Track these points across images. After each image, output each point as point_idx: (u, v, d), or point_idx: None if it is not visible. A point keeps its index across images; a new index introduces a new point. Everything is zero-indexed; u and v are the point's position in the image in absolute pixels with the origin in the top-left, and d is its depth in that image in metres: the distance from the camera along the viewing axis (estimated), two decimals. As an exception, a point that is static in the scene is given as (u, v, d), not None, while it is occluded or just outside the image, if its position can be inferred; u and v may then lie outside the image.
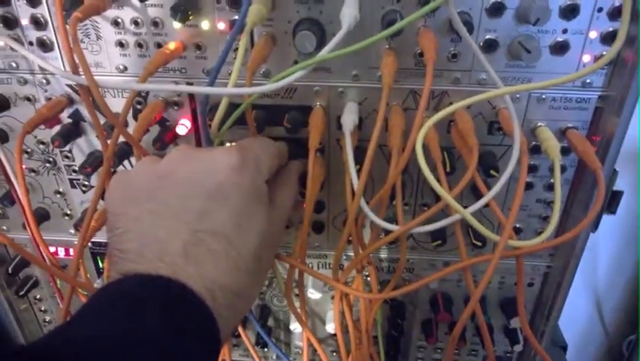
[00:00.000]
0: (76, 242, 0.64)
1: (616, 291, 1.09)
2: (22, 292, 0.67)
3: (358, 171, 0.46)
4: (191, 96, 0.53)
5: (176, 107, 0.53)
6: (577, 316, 1.14)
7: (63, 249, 0.66)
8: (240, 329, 0.64)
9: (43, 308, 0.73)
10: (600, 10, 0.45)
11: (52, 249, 0.65)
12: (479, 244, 0.55)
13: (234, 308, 0.37)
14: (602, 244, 1.04)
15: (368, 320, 0.56)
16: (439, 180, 0.43)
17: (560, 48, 0.46)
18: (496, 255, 0.43)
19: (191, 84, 0.52)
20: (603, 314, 1.13)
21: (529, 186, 0.55)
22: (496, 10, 0.45)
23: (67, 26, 0.42)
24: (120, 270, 0.36)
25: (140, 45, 0.50)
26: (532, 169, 0.54)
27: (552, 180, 0.54)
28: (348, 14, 0.42)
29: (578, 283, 1.08)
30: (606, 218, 0.95)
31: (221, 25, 0.48)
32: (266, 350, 0.73)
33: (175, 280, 0.34)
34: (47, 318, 0.74)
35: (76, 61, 0.43)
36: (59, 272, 0.51)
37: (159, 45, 0.49)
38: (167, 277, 0.34)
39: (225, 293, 0.36)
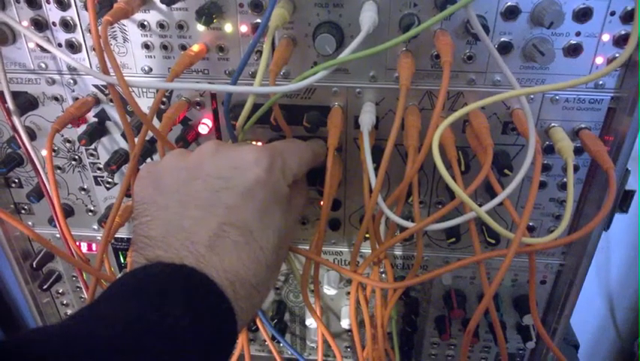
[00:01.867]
0: (99, 238, 0.66)
1: (629, 291, 1.09)
2: (45, 286, 0.69)
3: (376, 170, 0.47)
4: (213, 96, 0.54)
5: (198, 107, 0.55)
6: (589, 315, 1.14)
7: (86, 244, 0.68)
8: (259, 324, 0.66)
9: (65, 302, 0.75)
10: (613, 13, 0.46)
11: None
12: (493, 241, 0.57)
13: (252, 301, 0.39)
14: (615, 243, 1.04)
15: (384, 315, 0.57)
16: (454, 179, 0.44)
17: (574, 50, 0.47)
18: (511, 250, 0.44)
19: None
20: (615, 314, 1.13)
21: (542, 185, 0.56)
22: (511, 14, 0.46)
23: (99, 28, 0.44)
24: (146, 256, 0.37)
25: (165, 47, 0.51)
26: (546, 168, 0.55)
27: (565, 180, 0.56)
28: (368, 18, 0.44)
29: (591, 282, 1.09)
30: (620, 217, 0.96)
31: (244, 28, 0.50)
32: (281, 344, 0.75)
33: (198, 270, 0.35)
34: (69, 311, 0.76)
35: (107, 62, 0.45)
36: (86, 265, 0.52)
37: (183, 47, 0.51)
38: (191, 267, 0.35)
39: (245, 286, 0.37)
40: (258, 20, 0.49)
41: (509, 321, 0.67)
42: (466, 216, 0.46)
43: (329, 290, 0.65)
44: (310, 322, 0.70)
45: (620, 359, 1.16)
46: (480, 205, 0.45)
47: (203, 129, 0.55)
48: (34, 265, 0.68)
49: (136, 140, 0.50)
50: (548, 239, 0.46)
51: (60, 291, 0.74)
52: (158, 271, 0.35)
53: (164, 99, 0.55)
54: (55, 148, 0.60)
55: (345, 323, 0.68)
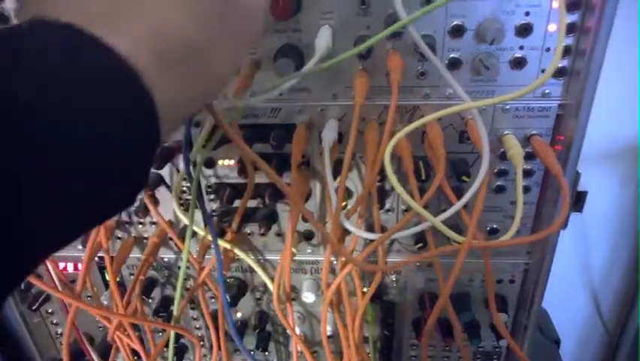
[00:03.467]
0: (83, 258, 0.69)
1: (611, 287, 1.12)
2: (34, 307, 0.72)
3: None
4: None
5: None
6: (575, 312, 1.17)
7: (72, 264, 0.70)
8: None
9: (54, 321, 0.77)
10: (552, 27, 0.49)
11: (61, 264, 0.70)
12: (458, 243, 0.59)
13: (183, 78, 0.27)
14: (595, 242, 1.07)
15: (355, 319, 0.59)
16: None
17: (518, 63, 0.51)
18: (462, 252, 0.47)
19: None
20: (601, 309, 1.16)
21: (501, 189, 0.59)
22: (458, 32, 0.49)
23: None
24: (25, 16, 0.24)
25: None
26: (503, 173, 0.58)
27: (523, 183, 0.59)
28: (321, 42, 0.47)
29: (575, 279, 1.11)
30: (598, 217, 0.99)
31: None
32: (267, 353, 0.77)
33: (88, 32, 0.23)
34: (59, 331, 0.79)
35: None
36: (64, 293, 0.55)
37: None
38: (79, 28, 0.23)
39: (163, 51, 0.25)
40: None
41: (483, 320, 0.70)
42: (422, 225, 0.49)
43: (307, 298, 0.67)
44: (292, 330, 0.73)
45: (607, 353, 1.18)
46: (445, 209, 0.48)
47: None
48: (23, 287, 0.70)
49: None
50: (498, 241, 0.48)
51: (50, 311, 0.76)
52: (36, 32, 0.23)
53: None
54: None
55: (327, 330, 0.70)
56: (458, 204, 0.47)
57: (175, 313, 0.58)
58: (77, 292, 0.54)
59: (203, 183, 0.62)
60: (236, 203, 0.60)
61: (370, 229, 0.59)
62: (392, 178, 0.43)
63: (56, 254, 0.62)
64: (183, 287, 0.64)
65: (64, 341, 0.60)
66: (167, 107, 0.25)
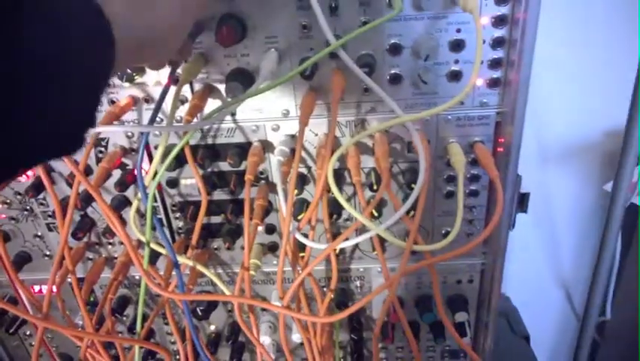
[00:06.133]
0: (49, 277, 0.71)
1: (582, 281, 1.16)
2: (11, 330, 0.74)
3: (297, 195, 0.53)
4: (147, 143, 0.60)
5: (134, 153, 0.60)
6: (547, 307, 1.20)
7: (47, 287, 0.72)
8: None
9: (33, 343, 0.79)
10: (484, 41, 0.52)
11: (36, 287, 0.72)
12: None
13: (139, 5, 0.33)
14: (564, 239, 1.10)
15: (318, 335, 0.62)
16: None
17: (455, 76, 0.54)
18: (404, 257, 0.50)
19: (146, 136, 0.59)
20: (573, 302, 1.20)
21: (451, 194, 0.62)
22: (395, 50, 0.53)
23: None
24: None
25: (95, 103, 0.57)
26: (452, 179, 0.61)
27: (471, 187, 0.62)
28: (265, 66, 0.50)
29: (547, 278, 1.15)
30: (565, 214, 1.02)
31: (164, 81, 0.55)
32: (242, 363, 0.80)
33: None
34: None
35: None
36: (32, 316, 0.57)
37: (112, 101, 0.57)
38: None
39: None
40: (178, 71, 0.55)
41: (447, 320, 0.73)
42: (367, 234, 0.51)
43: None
44: (264, 339, 0.75)
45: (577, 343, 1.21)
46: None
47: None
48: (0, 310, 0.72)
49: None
50: (439, 246, 0.52)
51: (28, 333, 0.78)
52: None
53: (102, 149, 0.60)
54: (8, 201, 0.65)
55: (296, 337, 0.73)
56: (401, 211, 0.50)
57: (138, 329, 0.61)
58: (44, 313, 0.56)
59: (169, 201, 0.65)
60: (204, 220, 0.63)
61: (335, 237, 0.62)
62: (334, 188, 0.46)
63: (31, 278, 0.64)
64: (158, 307, 0.67)
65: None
66: (123, 29, 0.30)
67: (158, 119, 0.57)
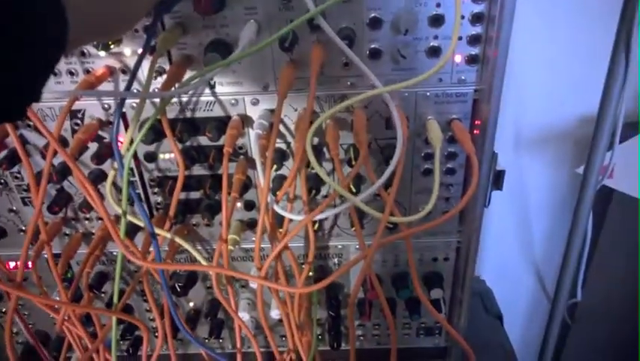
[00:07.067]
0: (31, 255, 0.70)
1: (553, 262, 1.18)
2: (-14, 307, 0.73)
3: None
4: (123, 116, 0.59)
5: (110, 126, 0.60)
6: (520, 290, 1.23)
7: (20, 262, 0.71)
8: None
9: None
10: (463, 17, 0.53)
11: (12, 263, 0.71)
12: (391, 225, 0.63)
13: None
14: (535, 219, 1.12)
15: (295, 310, 0.62)
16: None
17: (434, 52, 0.54)
18: (383, 220, 0.50)
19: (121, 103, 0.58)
20: (545, 285, 1.22)
21: (428, 172, 0.63)
22: (375, 23, 0.53)
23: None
24: None
25: (71, 73, 0.56)
26: (430, 157, 0.62)
27: (448, 165, 0.62)
28: (245, 36, 0.50)
29: (519, 259, 1.17)
30: (538, 196, 1.04)
31: (140, 51, 0.55)
32: (221, 340, 0.80)
33: None
34: (15, 330, 0.79)
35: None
36: (5, 283, 0.56)
37: (88, 71, 0.56)
38: None
39: None
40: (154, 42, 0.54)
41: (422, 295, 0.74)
42: (344, 205, 0.52)
43: (254, 283, 0.70)
44: (242, 315, 0.75)
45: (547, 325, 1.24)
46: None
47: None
48: (-26, 287, 0.71)
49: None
50: (414, 218, 0.52)
51: (3, 310, 0.77)
52: None
53: (78, 121, 0.59)
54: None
55: (274, 314, 0.73)
56: (378, 182, 0.50)
57: (115, 301, 0.60)
58: (17, 283, 0.56)
59: (147, 176, 0.64)
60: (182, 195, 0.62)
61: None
62: (313, 160, 0.46)
63: (6, 253, 0.63)
64: (135, 279, 0.66)
65: (5, 333, 0.61)
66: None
67: (134, 90, 0.56)
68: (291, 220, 0.59)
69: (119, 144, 0.59)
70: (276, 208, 0.52)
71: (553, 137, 1.01)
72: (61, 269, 0.63)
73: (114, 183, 0.63)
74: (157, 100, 0.56)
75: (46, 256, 0.63)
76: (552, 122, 0.99)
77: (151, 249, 0.64)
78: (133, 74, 0.49)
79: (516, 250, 1.17)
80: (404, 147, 0.51)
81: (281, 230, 0.59)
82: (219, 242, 0.57)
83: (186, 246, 0.62)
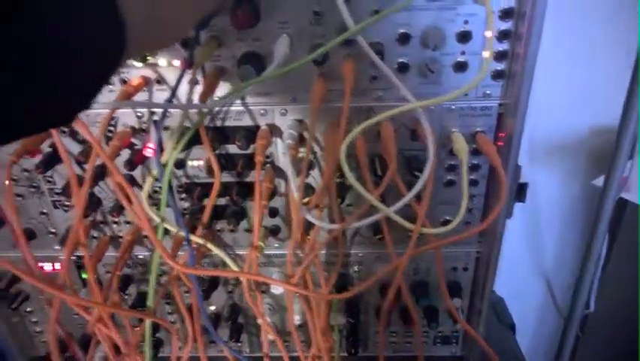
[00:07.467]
0: (61, 257, 0.72)
1: (563, 273, 1.19)
2: (14, 306, 0.74)
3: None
4: (155, 124, 0.61)
5: (143, 133, 0.61)
6: (530, 300, 1.24)
7: (50, 264, 0.73)
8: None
9: (33, 320, 0.80)
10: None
11: (39, 264, 0.73)
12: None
13: (152, 10, 0.35)
14: (547, 230, 1.13)
15: (320, 316, 0.64)
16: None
17: (460, 67, 0.56)
18: (411, 242, 0.52)
19: (153, 113, 0.60)
20: (554, 294, 1.23)
21: (451, 183, 0.64)
22: (404, 39, 0.54)
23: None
24: None
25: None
26: (453, 168, 0.63)
27: (471, 177, 0.64)
28: (279, 51, 0.51)
29: (527, 267, 1.18)
30: (549, 207, 1.05)
31: (177, 63, 0.56)
32: (239, 343, 0.81)
33: None
34: (37, 329, 0.81)
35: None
36: (48, 286, 0.58)
37: (124, 81, 0.58)
38: None
39: None
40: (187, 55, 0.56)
41: (441, 306, 0.75)
42: (377, 215, 0.53)
43: (276, 290, 0.71)
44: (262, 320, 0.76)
45: (562, 337, 1.25)
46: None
47: (148, 152, 0.61)
48: (3, 286, 0.73)
49: (86, 166, 0.56)
50: (444, 229, 0.53)
51: (29, 310, 0.79)
52: None
53: (111, 127, 0.61)
54: (15, 177, 0.65)
55: (295, 320, 0.74)
56: (409, 194, 0.51)
57: (149, 303, 0.62)
58: (61, 285, 0.57)
59: (175, 183, 0.66)
60: (206, 201, 0.64)
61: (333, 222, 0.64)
62: (348, 173, 0.48)
63: (35, 254, 0.65)
64: (166, 283, 0.68)
65: (50, 335, 0.62)
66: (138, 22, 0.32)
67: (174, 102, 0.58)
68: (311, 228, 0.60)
69: (151, 151, 0.61)
70: (309, 217, 0.53)
71: (566, 148, 1.02)
72: (93, 272, 0.64)
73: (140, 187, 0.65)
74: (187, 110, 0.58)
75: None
76: (565, 134, 1.00)
77: (179, 253, 0.66)
78: (175, 87, 0.51)
79: (526, 260, 1.18)
80: (435, 161, 0.52)
81: (308, 237, 0.60)
82: (250, 249, 0.59)
83: (216, 251, 0.64)
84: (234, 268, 0.64)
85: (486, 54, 0.48)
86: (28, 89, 0.28)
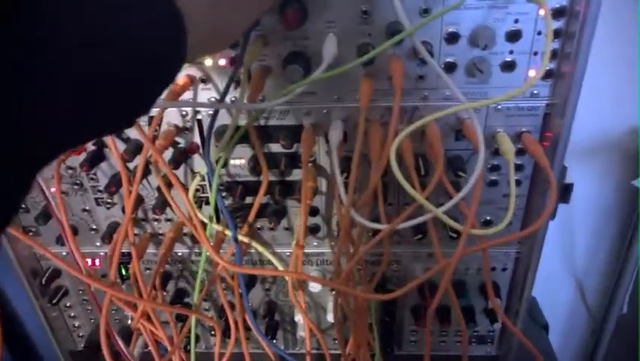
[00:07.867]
0: (102, 253, 0.73)
1: (595, 275, 1.18)
2: (54, 301, 0.76)
3: (348, 177, 0.55)
4: (199, 122, 0.61)
5: (187, 132, 0.62)
6: (561, 300, 1.22)
7: (90, 260, 0.74)
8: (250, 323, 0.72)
9: (72, 315, 0.81)
10: (539, 33, 0.53)
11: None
12: (454, 235, 0.64)
13: (213, 16, 0.35)
14: (579, 232, 1.12)
15: (361, 311, 0.64)
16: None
17: (509, 66, 0.55)
18: (461, 243, 0.51)
19: (197, 112, 0.60)
20: (585, 296, 1.22)
21: (494, 183, 0.63)
22: (452, 38, 0.54)
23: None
24: None
25: (153, 81, 0.58)
26: (496, 168, 0.63)
27: (514, 177, 0.63)
28: (328, 51, 0.51)
29: (561, 269, 1.17)
30: (582, 208, 1.04)
31: (222, 62, 0.56)
32: (275, 340, 0.82)
33: None
34: (76, 323, 0.83)
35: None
36: (95, 280, 0.59)
37: (170, 80, 0.58)
38: None
39: None
40: (234, 54, 0.56)
41: (478, 306, 0.75)
42: (424, 217, 0.53)
43: (314, 288, 0.72)
44: (299, 318, 0.77)
45: (592, 338, 1.23)
46: (442, 204, 0.53)
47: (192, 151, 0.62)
48: (44, 282, 0.74)
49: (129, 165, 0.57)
50: (492, 231, 0.53)
51: (68, 305, 0.80)
52: None
53: (157, 127, 0.61)
54: (60, 175, 0.66)
55: (330, 317, 0.74)
56: (458, 196, 0.51)
57: (195, 300, 0.63)
58: (112, 281, 0.58)
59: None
60: (247, 200, 0.64)
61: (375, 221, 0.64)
62: (398, 174, 0.48)
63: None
64: (209, 281, 0.69)
65: (101, 329, 0.63)
66: (198, 27, 0.32)
67: (211, 99, 0.58)
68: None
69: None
70: (357, 218, 0.53)
71: (602, 148, 1.00)
72: (137, 266, 0.65)
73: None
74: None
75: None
76: (600, 133, 0.99)
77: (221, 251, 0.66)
78: (227, 86, 0.51)
79: (557, 260, 1.17)
80: (485, 163, 0.52)
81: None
82: (295, 247, 0.59)
83: (261, 250, 0.64)
84: (280, 267, 0.64)
85: (545, 54, 0.48)
86: (105, 92, 0.28)
